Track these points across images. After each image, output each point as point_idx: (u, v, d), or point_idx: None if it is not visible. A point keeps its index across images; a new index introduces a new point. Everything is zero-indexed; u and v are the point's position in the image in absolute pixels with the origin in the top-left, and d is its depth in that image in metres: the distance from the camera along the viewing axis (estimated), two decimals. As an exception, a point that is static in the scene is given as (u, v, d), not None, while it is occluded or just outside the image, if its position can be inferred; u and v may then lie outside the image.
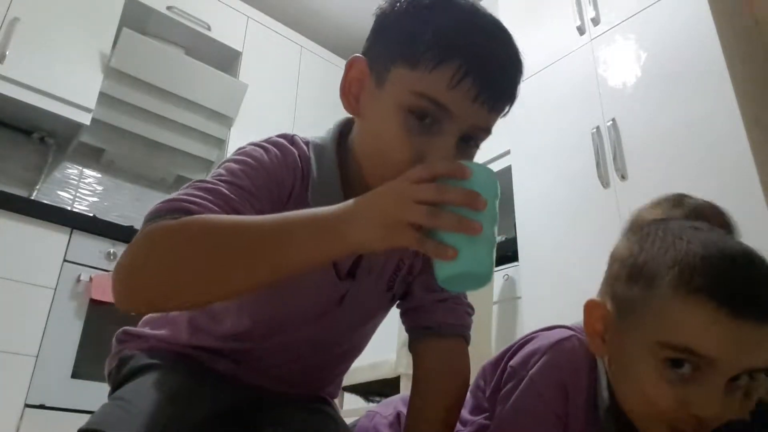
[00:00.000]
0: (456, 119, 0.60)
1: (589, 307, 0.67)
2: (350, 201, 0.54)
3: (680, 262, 0.58)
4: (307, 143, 0.73)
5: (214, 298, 0.60)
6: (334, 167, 0.70)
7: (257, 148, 0.68)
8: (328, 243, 0.52)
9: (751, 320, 0.54)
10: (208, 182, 0.61)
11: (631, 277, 0.62)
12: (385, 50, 0.64)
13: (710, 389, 0.56)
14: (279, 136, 0.72)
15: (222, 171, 0.64)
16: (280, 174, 0.67)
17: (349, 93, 0.68)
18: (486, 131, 0.64)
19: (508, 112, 0.67)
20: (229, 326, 0.76)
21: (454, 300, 0.80)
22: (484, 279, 0.53)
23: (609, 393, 0.65)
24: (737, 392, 0.57)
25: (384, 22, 0.66)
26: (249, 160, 0.66)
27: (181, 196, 0.58)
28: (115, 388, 0.74)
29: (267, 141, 0.70)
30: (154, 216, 0.56)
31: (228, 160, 0.66)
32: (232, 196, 0.60)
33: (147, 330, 0.81)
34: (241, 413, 0.73)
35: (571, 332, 0.69)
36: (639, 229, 0.67)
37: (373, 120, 0.66)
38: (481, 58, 0.60)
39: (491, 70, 0.61)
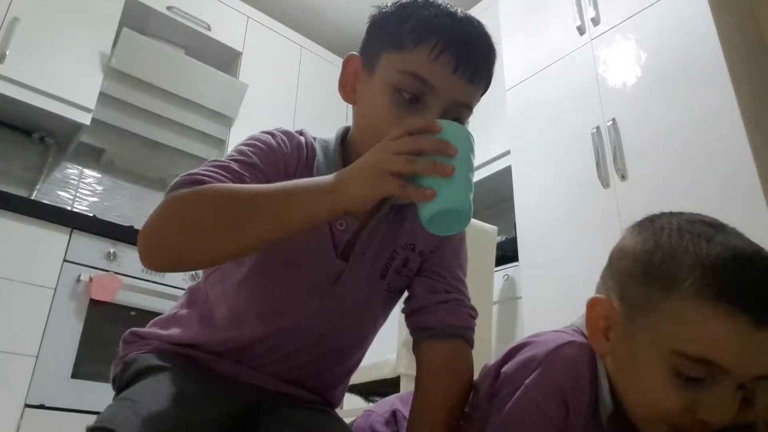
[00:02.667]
0: (438, 93, 0.69)
1: (593, 303, 0.65)
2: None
3: (701, 265, 0.56)
4: (314, 138, 0.81)
5: (228, 253, 0.65)
6: (337, 156, 0.78)
7: (265, 134, 0.76)
8: (326, 197, 0.60)
9: None
10: (220, 161, 0.69)
11: (646, 276, 0.60)
12: (375, 43, 0.74)
13: (720, 395, 0.55)
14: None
15: (233, 152, 0.72)
16: (285, 154, 0.75)
17: (346, 85, 0.78)
18: (467, 108, 0.72)
19: (485, 91, 0.75)
20: (229, 309, 0.77)
21: (457, 302, 0.81)
22: (464, 216, 0.59)
23: (612, 397, 0.63)
24: (740, 395, 0.56)
25: (374, 23, 0.76)
26: (257, 143, 0.74)
27: (197, 171, 0.66)
28: (120, 390, 0.74)
29: (275, 129, 0.78)
30: (174, 188, 0.64)
31: (239, 144, 0.75)
32: (241, 171, 0.68)
33: (155, 330, 0.81)
34: (245, 416, 0.73)
35: (569, 337, 0.66)
36: (650, 222, 0.65)
37: (366, 102, 0.75)
38: (457, 36, 0.69)
39: (467, 45, 0.70)
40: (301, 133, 0.80)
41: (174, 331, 0.80)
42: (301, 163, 0.77)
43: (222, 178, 0.65)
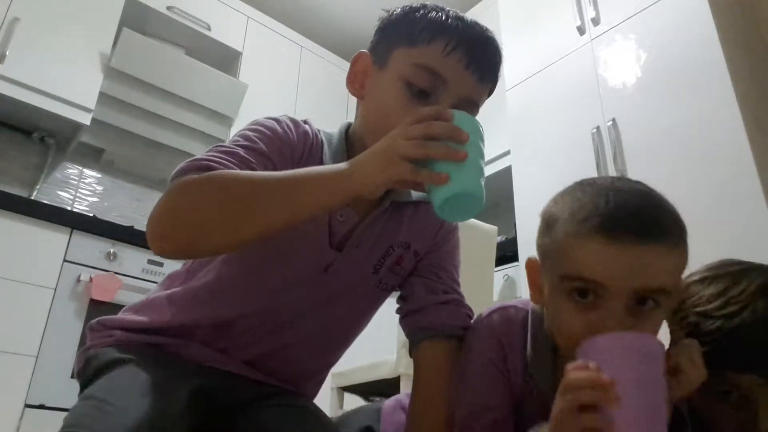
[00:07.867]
0: (449, 88, 0.70)
1: (528, 263, 0.72)
2: None
3: (574, 205, 0.64)
4: (318, 130, 0.81)
5: (238, 240, 0.64)
6: (342, 147, 0.78)
7: (270, 120, 0.76)
8: (340, 181, 0.60)
9: (631, 244, 0.58)
10: (226, 146, 0.68)
11: (544, 226, 0.68)
12: (387, 41, 0.75)
13: (609, 312, 0.60)
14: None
15: (238, 138, 0.71)
16: (291, 140, 0.75)
17: (354, 81, 0.78)
18: (475, 106, 0.74)
19: (491, 92, 0.77)
20: (210, 286, 0.76)
21: (455, 303, 0.81)
22: (477, 201, 0.60)
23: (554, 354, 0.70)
24: (643, 315, 0.60)
25: (384, 24, 0.78)
26: (263, 128, 0.73)
27: (203, 157, 0.65)
28: (84, 386, 0.72)
29: (280, 116, 0.78)
30: (180, 173, 0.63)
31: (243, 129, 0.74)
32: (248, 157, 0.67)
33: (124, 315, 0.80)
34: (220, 405, 0.72)
35: (508, 304, 0.76)
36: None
37: (376, 95, 0.75)
38: (469, 36, 0.72)
39: (478, 44, 0.72)
40: (305, 122, 0.80)
41: (144, 317, 0.78)
42: (306, 151, 0.76)
43: (229, 164, 0.65)
